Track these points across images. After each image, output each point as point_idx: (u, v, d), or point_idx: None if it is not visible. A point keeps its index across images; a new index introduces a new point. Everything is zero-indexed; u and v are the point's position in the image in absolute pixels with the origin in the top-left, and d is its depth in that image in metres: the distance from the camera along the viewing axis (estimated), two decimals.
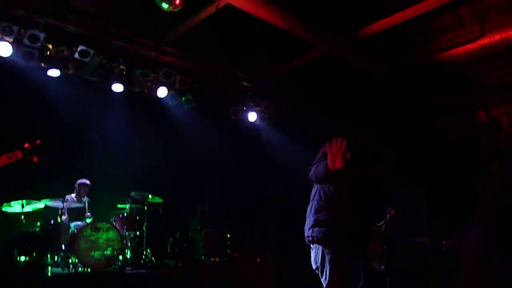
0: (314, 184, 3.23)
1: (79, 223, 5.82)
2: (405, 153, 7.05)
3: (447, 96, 7.81)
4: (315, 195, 3.19)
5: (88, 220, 5.89)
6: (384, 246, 4.78)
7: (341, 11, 6.19)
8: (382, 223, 5.01)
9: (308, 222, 3.16)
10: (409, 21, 6.54)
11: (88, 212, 6.11)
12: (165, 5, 5.17)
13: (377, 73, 7.19)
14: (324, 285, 3.03)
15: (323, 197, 3.11)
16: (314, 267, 3.13)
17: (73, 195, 6.27)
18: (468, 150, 7.45)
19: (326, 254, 3.02)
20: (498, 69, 7.42)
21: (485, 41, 6.16)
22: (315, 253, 3.11)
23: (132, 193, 6.31)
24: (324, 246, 3.04)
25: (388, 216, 5.02)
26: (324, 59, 6.93)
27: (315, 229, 3.07)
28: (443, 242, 5.40)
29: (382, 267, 4.67)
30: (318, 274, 3.11)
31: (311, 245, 3.16)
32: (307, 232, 3.13)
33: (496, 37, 6.06)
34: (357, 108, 7.73)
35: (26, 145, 3.67)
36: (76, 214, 6.09)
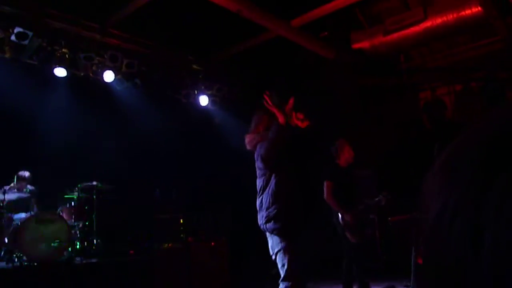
0: (259, 177, 3.26)
1: (23, 215, 5.55)
2: (356, 135, 7.20)
3: (392, 78, 8.06)
4: (261, 188, 3.23)
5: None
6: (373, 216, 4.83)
7: None
8: (378, 199, 5.11)
9: (261, 216, 3.20)
10: (357, 4, 6.66)
11: (34, 205, 5.85)
12: None
13: (327, 55, 7.29)
14: (282, 272, 3.08)
15: (270, 191, 3.16)
16: (271, 253, 3.19)
17: (13, 185, 5.91)
18: (413, 130, 7.76)
19: (281, 244, 3.08)
20: (439, 51, 7.74)
21: (427, 24, 6.39)
22: (272, 241, 3.17)
23: (79, 185, 6.08)
24: (279, 236, 3.11)
25: (380, 198, 5.12)
26: (275, 42, 6.93)
27: (268, 224, 3.12)
28: (389, 218, 5.63)
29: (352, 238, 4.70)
30: (274, 261, 3.17)
31: (267, 233, 3.22)
32: (262, 226, 3.20)
33: (438, 20, 6.29)
34: (308, 90, 7.82)
35: None
36: (19, 205, 5.79)
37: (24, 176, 5.89)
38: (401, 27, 6.74)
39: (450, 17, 6.21)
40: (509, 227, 0.29)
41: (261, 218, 3.19)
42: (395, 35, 6.88)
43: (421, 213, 0.37)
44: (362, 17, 7.60)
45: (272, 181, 3.16)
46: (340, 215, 4.67)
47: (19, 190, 5.84)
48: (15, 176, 5.85)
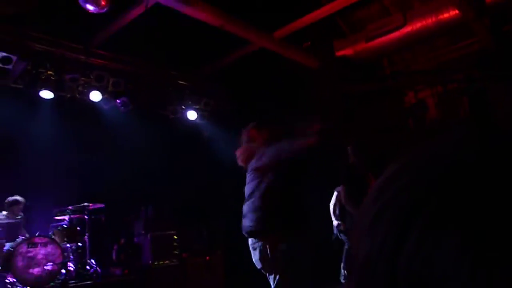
0: (252, 181, 3.23)
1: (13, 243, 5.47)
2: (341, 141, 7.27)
3: (377, 83, 8.16)
4: (253, 192, 3.18)
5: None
6: None
7: (272, 6, 6.28)
8: None
9: (249, 220, 3.13)
10: (339, 13, 6.77)
11: (23, 229, 5.76)
12: (90, 7, 4.98)
13: (311, 65, 7.37)
14: (272, 284, 3.02)
15: (262, 193, 3.11)
16: (258, 267, 3.11)
17: (5, 213, 5.82)
18: (398, 133, 7.85)
19: (275, 252, 3.00)
20: (421, 55, 7.87)
21: (408, 29, 6.51)
22: (258, 253, 3.08)
23: (70, 207, 6.03)
24: (270, 242, 3.03)
25: None
26: (259, 54, 7.01)
27: (258, 226, 3.06)
28: None
29: None
30: (264, 273, 3.11)
31: (254, 244, 3.12)
32: (250, 228, 3.11)
33: (418, 25, 6.41)
34: (295, 99, 7.89)
35: None
36: (10, 231, 5.71)
37: (18, 200, 5.80)
38: (382, 33, 6.86)
39: (429, 21, 6.34)
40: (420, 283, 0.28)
41: (249, 221, 3.11)
42: (377, 41, 7.01)
43: (353, 247, 0.36)
44: (344, 25, 7.73)
45: (265, 183, 3.12)
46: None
47: (14, 214, 5.75)
48: (8, 202, 5.75)
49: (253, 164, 3.25)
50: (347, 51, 7.46)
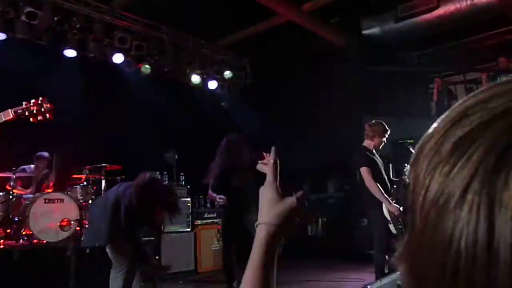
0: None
1: (31, 195, 5.62)
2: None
3: (402, 66, 7.97)
4: None
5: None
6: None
7: None
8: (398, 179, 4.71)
9: None
10: None
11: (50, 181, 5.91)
12: None
13: (337, 41, 7.22)
14: None
15: None
16: None
17: (32, 166, 6.00)
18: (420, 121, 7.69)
19: None
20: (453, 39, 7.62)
21: (440, 12, 6.29)
22: None
23: (88, 166, 6.12)
24: None
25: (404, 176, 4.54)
26: (285, 27, 6.88)
27: None
28: None
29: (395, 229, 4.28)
30: None
31: None
32: None
33: (451, 8, 6.19)
34: (317, 76, 7.77)
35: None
36: (28, 185, 5.86)
37: (43, 156, 5.99)
38: (413, 14, 6.65)
39: (464, 4, 6.11)
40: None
41: None
42: (407, 22, 6.79)
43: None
44: (373, 3, 7.49)
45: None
46: (384, 205, 4.26)
47: (37, 169, 5.94)
48: (35, 157, 5.95)
49: None
50: (374, 30, 7.26)
